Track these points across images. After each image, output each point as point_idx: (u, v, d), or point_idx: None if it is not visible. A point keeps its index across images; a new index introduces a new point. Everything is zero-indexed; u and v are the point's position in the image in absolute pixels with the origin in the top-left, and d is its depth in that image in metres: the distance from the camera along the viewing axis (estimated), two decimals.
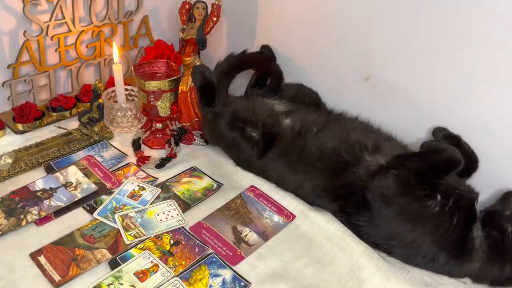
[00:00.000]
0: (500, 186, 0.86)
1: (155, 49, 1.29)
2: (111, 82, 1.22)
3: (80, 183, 0.94)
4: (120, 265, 0.78)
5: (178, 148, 1.08)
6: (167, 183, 0.97)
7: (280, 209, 0.92)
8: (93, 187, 0.94)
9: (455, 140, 0.89)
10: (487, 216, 0.80)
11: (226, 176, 1.01)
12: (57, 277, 0.75)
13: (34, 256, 0.78)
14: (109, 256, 0.79)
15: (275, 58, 1.16)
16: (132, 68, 1.11)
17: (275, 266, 0.81)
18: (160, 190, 0.94)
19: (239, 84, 1.22)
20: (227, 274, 0.78)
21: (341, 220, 0.87)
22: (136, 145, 1.07)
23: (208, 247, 0.83)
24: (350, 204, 0.86)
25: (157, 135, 1.11)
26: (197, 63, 1.08)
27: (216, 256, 0.81)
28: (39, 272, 0.76)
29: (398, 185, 0.79)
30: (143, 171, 1.00)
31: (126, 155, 1.05)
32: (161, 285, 0.75)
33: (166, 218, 0.88)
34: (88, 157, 1.02)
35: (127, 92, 1.17)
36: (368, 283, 0.79)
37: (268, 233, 0.87)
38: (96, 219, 0.86)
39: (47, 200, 0.89)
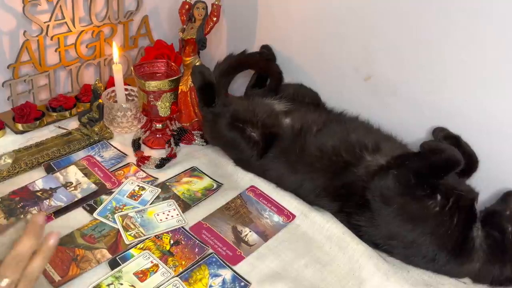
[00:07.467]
0: (500, 186, 0.86)
1: (155, 49, 1.29)
2: (111, 82, 1.22)
3: (80, 183, 0.94)
4: (120, 265, 0.78)
5: (178, 148, 1.08)
6: (167, 183, 0.97)
7: (280, 209, 0.92)
8: (93, 187, 0.94)
9: (455, 140, 0.88)
10: (487, 216, 0.80)
11: (226, 176, 1.01)
12: (57, 277, 0.75)
13: None
14: (109, 256, 0.79)
15: (275, 58, 1.16)
16: (132, 68, 1.11)
17: (275, 266, 0.81)
18: (160, 190, 0.94)
19: (239, 84, 1.22)
20: (227, 274, 0.78)
21: (341, 220, 0.87)
22: (136, 145, 1.07)
23: (208, 247, 0.83)
24: (350, 204, 0.86)
25: (157, 135, 1.11)
26: (197, 63, 1.08)
27: (216, 256, 0.81)
28: None
29: (398, 185, 0.79)
30: (143, 171, 1.00)
31: (126, 155, 1.05)
32: (161, 285, 0.75)
33: (166, 218, 0.88)
34: (88, 157, 1.02)
35: (127, 92, 1.17)
36: (368, 283, 0.79)
37: (268, 233, 0.87)
38: (96, 219, 0.86)
39: (47, 200, 0.89)
